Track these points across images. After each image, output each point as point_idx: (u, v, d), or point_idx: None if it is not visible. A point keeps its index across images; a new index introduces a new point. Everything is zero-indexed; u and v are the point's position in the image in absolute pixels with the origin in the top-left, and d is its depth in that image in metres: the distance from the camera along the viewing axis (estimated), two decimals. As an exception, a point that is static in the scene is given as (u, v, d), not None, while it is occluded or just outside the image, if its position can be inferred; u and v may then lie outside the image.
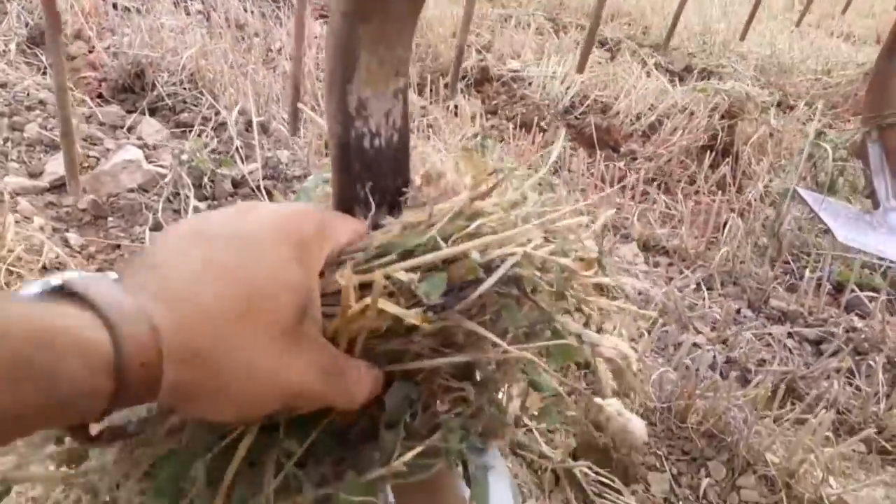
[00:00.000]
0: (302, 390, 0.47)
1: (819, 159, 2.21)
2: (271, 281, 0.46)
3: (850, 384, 1.89)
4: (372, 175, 0.75)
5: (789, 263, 2.44)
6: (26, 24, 3.73)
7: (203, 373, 0.42)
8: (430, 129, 2.89)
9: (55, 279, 0.41)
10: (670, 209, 2.62)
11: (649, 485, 1.63)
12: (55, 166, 2.63)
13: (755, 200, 2.63)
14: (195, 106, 3.13)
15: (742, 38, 4.63)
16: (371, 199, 0.76)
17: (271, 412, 0.49)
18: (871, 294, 2.13)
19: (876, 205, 1.75)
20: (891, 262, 1.97)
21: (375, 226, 0.71)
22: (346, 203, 0.76)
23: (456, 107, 3.21)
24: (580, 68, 3.39)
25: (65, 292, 0.40)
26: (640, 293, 2.22)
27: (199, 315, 0.42)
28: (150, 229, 2.33)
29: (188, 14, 3.98)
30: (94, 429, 0.46)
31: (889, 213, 1.74)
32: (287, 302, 0.46)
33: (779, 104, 3.66)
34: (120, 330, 0.38)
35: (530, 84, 3.57)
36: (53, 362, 0.36)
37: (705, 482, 1.61)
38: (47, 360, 0.36)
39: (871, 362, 1.82)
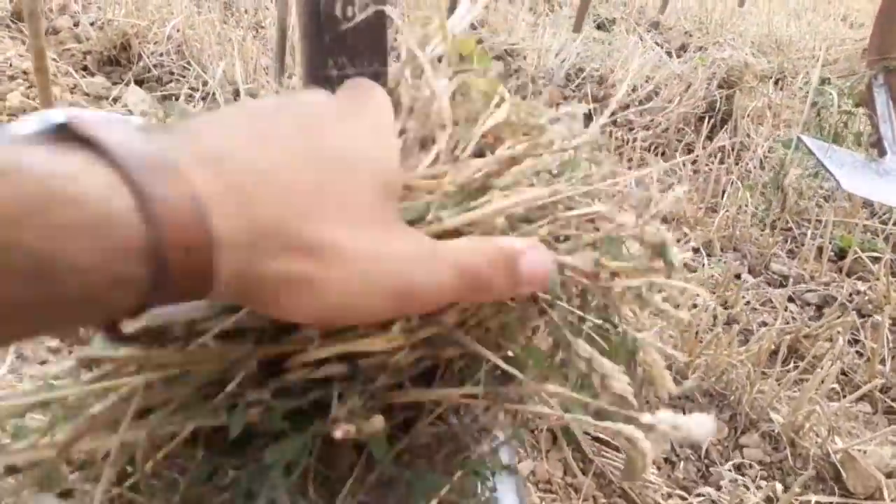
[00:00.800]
0: (422, 282, 0.34)
1: (823, 108, 2.16)
2: (348, 150, 0.35)
3: (855, 344, 1.84)
4: (345, 49, 0.69)
5: (790, 230, 2.39)
6: (11, 0, 3.65)
7: (277, 257, 0.31)
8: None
9: (56, 114, 0.30)
10: (668, 176, 2.56)
11: (649, 444, 1.57)
12: (37, 134, 2.57)
13: (755, 168, 2.57)
14: (182, 76, 3.06)
15: (741, 4, 4.57)
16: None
17: (379, 318, 0.37)
18: (872, 255, 2.08)
19: (882, 152, 1.69)
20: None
21: None
22: (316, 85, 0.70)
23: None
24: (577, 27, 3.34)
25: (69, 135, 0.28)
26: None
27: (262, 183, 0.30)
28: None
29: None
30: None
31: (895, 161, 1.69)
32: (371, 176, 0.35)
33: (776, 81, 3.61)
34: (151, 195, 0.27)
35: (525, 58, 3.50)
36: (49, 239, 0.25)
37: (707, 441, 1.55)
38: (41, 237, 0.25)
39: (876, 321, 1.77)
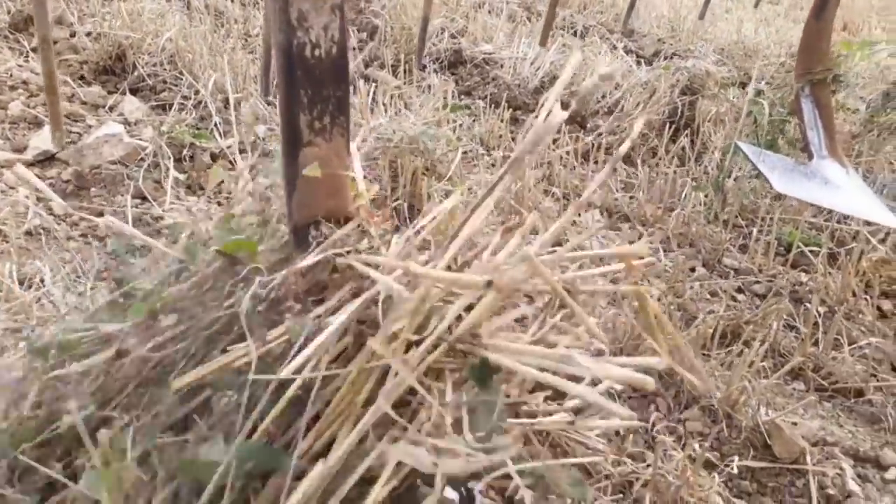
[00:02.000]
0: None
1: (758, 115, 2.34)
2: None
3: (792, 329, 2.02)
4: (313, 82, 0.87)
5: (742, 227, 2.57)
6: (8, 12, 3.78)
7: None
8: (405, 105, 2.99)
9: None
10: (630, 178, 2.74)
11: (601, 420, 1.74)
12: (38, 142, 2.72)
13: (712, 169, 2.75)
14: (175, 86, 3.22)
15: (701, 17, 4.77)
16: (313, 105, 0.87)
17: None
18: (814, 248, 2.27)
19: (810, 156, 1.87)
20: (824, 207, 2.09)
21: None
22: (290, 108, 0.87)
23: (429, 87, 3.31)
24: (542, 41, 3.51)
25: None
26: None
27: None
28: (132, 197, 2.42)
29: (168, 0, 4.06)
30: None
31: (821, 163, 1.86)
32: None
33: (742, 85, 3.80)
34: None
35: (502, 66, 3.68)
36: None
37: (654, 416, 1.73)
38: None
39: (808, 305, 1.95)
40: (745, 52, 4.43)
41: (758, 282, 2.28)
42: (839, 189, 1.81)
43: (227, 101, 3.15)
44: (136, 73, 3.32)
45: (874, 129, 2.98)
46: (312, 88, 0.86)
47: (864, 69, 3.94)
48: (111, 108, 3.12)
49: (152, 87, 3.29)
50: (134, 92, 3.26)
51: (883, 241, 2.43)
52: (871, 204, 1.79)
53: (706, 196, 2.44)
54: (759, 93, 2.42)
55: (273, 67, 2.88)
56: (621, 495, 1.50)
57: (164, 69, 3.30)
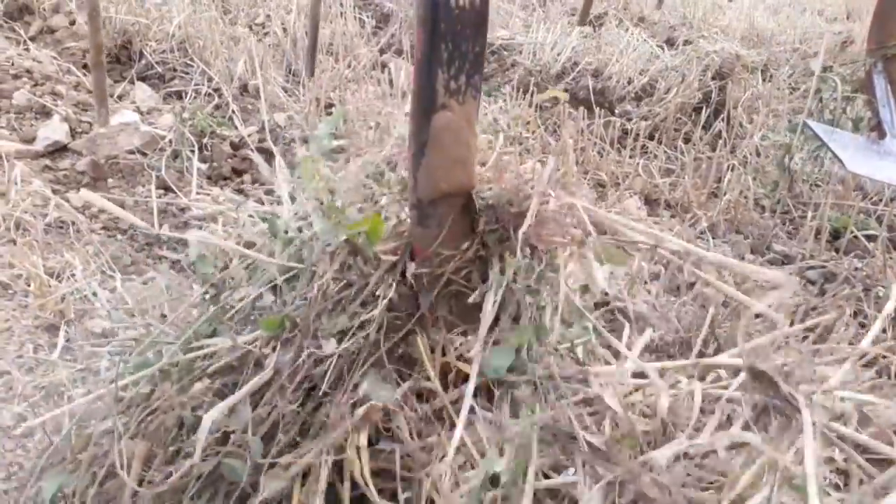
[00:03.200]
0: None
1: (825, 94, 2.26)
2: None
3: (858, 315, 1.95)
4: (455, 36, 0.76)
5: (788, 213, 2.50)
6: (2, 0, 3.62)
7: None
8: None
9: None
10: (670, 162, 2.66)
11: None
12: (48, 132, 2.58)
13: (750, 154, 2.68)
14: (186, 73, 3.09)
15: None
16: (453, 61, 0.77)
17: None
18: (868, 233, 2.20)
19: (882, 134, 1.80)
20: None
21: None
22: (429, 65, 0.77)
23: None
24: (582, 20, 3.43)
25: None
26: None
27: None
28: (156, 188, 2.29)
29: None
30: None
31: (895, 143, 1.79)
32: None
33: (762, 73, 3.73)
34: None
35: (521, 52, 3.59)
36: None
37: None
38: None
39: (880, 292, 1.88)
40: (760, 38, 4.38)
41: (811, 267, 2.21)
42: (915, 169, 1.74)
43: (243, 87, 3.03)
44: (143, 62, 3.18)
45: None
46: (453, 42, 0.76)
47: None
48: (120, 97, 2.98)
49: (161, 75, 3.15)
50: (142, 80, 3.13)
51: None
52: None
53: (762, 181, 2.35)
54: (826, 68, 2.35)
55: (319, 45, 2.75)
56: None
57: (174, 56, 3.16)
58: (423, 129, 0.80)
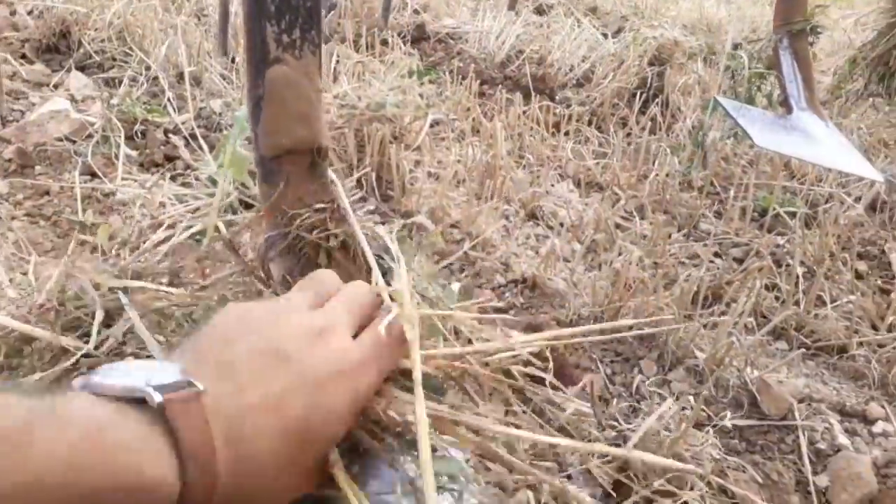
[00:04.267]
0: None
1: (736, 71, 2.31)
2: (327, 428, 0.50)
3: (773, 289, 1.99)
4: (285, 12, 0.77)
5: (717, 194, 2.54)
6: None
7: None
8: (371, 76, 2.89)
9: (153, 389, 0.42)
10: (602, 146, 2.69)
11: (585, 385, 1.68)
12: (-25, 120, 2.55)
13: (683, 137, 2.72)
14: (125, 62, 3.06)
15: None
16: (281, 15, 0.77)
17: None
18: (791, 210, 2.25)
19: (790, 109, 1.84)
20: (805, 160, 2.07)
21: None
22: (257, 18, 0.77)
23: (392, 62, 3.22)
24: (511, 5, 3.45)
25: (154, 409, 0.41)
26: (573, 222, 2.29)
27: (255, 466, 0.45)
28: (80, 174, 2.27)
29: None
30: None
31: (801, 116, 1.83)
32: (328, 444, 0.52)
33: (704, 59, 3.78)
34: (193, 480, 0.41)
35: (467, 40, 3.60)
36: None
37: (637, 378, 1.67)
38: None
39: (790, 263, 1.92)
40: (708, 26, 4.43)
41: (735, 245, 2.25)
42: (820, 142, 1.78)
43: (180, 75, 3.01)
44: (82, 51, 3.15)
45: (842, 96, 2.99)
46: (285, 22, 0.77)
47: (823, 45, 3.96)
48: (56, 86, 2.95)
49: (100, 63, 3.12)
50: (81, 69, 3.09)
51: (857, 201, 2.43)
52: (851, 156, 1.76)
53: (687, 158, 2.40)
54: (736, 46, 2.39)
55: (231, 26, 2.75)
56: (611, 459, 1.43)
57: (113, 45, 3.14)
58: (258, 83, 0.80)
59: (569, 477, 1.49)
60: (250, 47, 0.79)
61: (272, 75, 0.80)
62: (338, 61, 2.92)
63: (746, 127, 1.73)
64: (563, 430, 1.60)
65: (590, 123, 2.90)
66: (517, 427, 1.49)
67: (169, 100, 2.76)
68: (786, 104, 1.86)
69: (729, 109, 1.81)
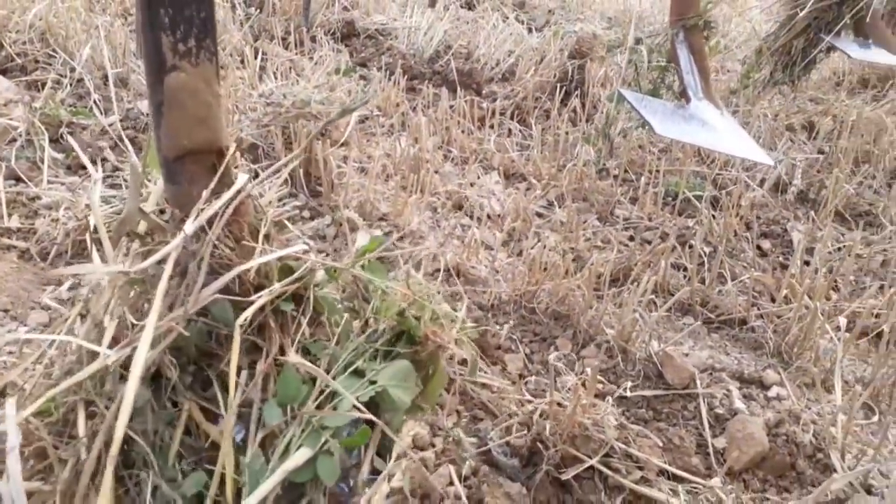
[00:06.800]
0: None
1: (639, 63, 2.45)
2: None
3: (679, 269, 2.12)
4: (174, 2, 0.83)
5: (632, 181, 2.68)
6: None
7: None
8: (297, 75, 2.93)
9: None
10: (526, 139, 2.80)
11: (506, 364, 1.78)
12: None
13: (600, 126, 2.85)
14: (49, 64, 3.03)
15: None
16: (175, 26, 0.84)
17: None
18: (699, 194, 2.39)
19: (688, 99, 1.97)
20: (702, 146, 2.21)
21: None
22: (151, 29, 0.83)
23: (321, 57, 3.26)
24: (432, 3, 3.53)
25: None
26: (496, 212, 2.39)
27: None
28: (5, 178, 2.26)
29: (36, -24, 3.81)
30: None
31: (698, 105, 1.97)
32: None
33: (623, 51, 3.93)
34: None
35: (396, 36, 3.67)
36: None
37: (553, 356, 1.78)
38: None
39: (692, 243, 2.05)
40: (631, 19, 4.59)
41: (648, 229, 2.38)
42: (715, 129, 1.91)
43: (106, 77, 2.99)
44: (3, 53, 3.10)
45: (750, 85, 3.17)
46: (173, 8, 0.83)
47: (734, 36, 4.17)
48: (-23, 90, 2.90)
49: (23, 66, 3.08)
50: (2, 73, 3.05)
51: (761, 183, 2.59)
52: (744, 142, 1.90)
53: (595, 147, 2.53)
54: (638, 41, 2.53)
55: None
56: (526, 430, 1.53)
57: (35, 47, 3.10)
58: (157, 89, 0.86)
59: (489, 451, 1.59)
60: (148, 56, 0.85)
61: (171, 82, 0.86)
62: (264, 59, 2.95)
63: (648, 117, 1.85)
64: (483, 407, 1.70)
65: (513, 117, 3.01)
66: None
67: (95, 102, 2.75)
68: (684, 94, 1.99)
69: (631, 101, 1.93)
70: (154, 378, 0.89)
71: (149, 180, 2.11)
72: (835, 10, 2.80)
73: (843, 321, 1.83)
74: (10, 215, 2.16)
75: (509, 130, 2.86)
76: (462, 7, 4.48)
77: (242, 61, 3.02)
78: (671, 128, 1.86)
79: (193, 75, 0.87)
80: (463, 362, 1.77)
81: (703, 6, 1.98)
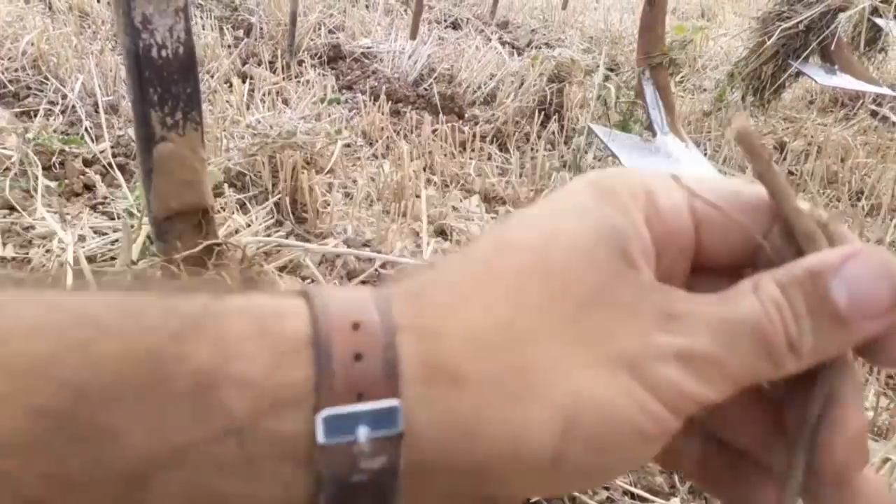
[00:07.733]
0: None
1: (607, 98, 2.55)
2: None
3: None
4: (162, 81, 0.92)
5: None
6: None
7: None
8: (283, 101, 3.02)
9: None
10: (505, 164, 2.90)
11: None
12: None
13: (577, 151, 2.95)
14: (40, 91, 3.11)
15: (563, 7, 5.08)
16: (163, 103, 0.93)
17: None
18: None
19: (654, 133, 2.07)
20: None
21: None
22: (140, 105, 0.92)
23: (308, 82, 3.36)
24: (412, 34, 3.63)
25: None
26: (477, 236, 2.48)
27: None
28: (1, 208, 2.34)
29: (27, 2, 3.89)
30: None
31: (664, 139, 2.07)
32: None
33: (608, 69, 4.04)
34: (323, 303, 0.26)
35: (381, 60, 3.76)
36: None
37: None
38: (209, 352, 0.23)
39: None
40: (612, 39, 4.71)
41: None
42: (679, 161, 2.01)
43: (96, 105, 3.07)
44: (-5, 80, 3.18)
45: (722, 108, 3.28)
46: (161, 87, 0.92)
47: (712, 55, 4.29)
48: (-30, 118, 2.97)
49: (15, 93, 3.15)
50: (-5, 100, 3.13)
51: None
52: (707, 173, 2.00)
53: (571, 175, 2.64)
54: (607, 77, 2.63)
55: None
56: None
57: (27, 74, 3.18)
58: (147, 158, 0.95)
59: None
60: (138, 128, 0.94)
61: (160, 151, 0.95)
62: (252, 87, 3.04)
63: (616, 151, 1.95)
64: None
65: (494, 141, 3.11)
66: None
67: (87, 129, 2.83)
68: (650, 129, 2.09)
69: (601, 136, 2.03)
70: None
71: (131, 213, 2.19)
72: (802, 37, 2.91)
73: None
74: (4, 244, 2.24)
75: (489, 155, 2.96)
76: (447, 27, 4.59)
77: (230, 86, 3.11)
78: (639, 160, 1.96)
79: (180, 144, 0.96)
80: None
81: (667, 46, 2.08)
